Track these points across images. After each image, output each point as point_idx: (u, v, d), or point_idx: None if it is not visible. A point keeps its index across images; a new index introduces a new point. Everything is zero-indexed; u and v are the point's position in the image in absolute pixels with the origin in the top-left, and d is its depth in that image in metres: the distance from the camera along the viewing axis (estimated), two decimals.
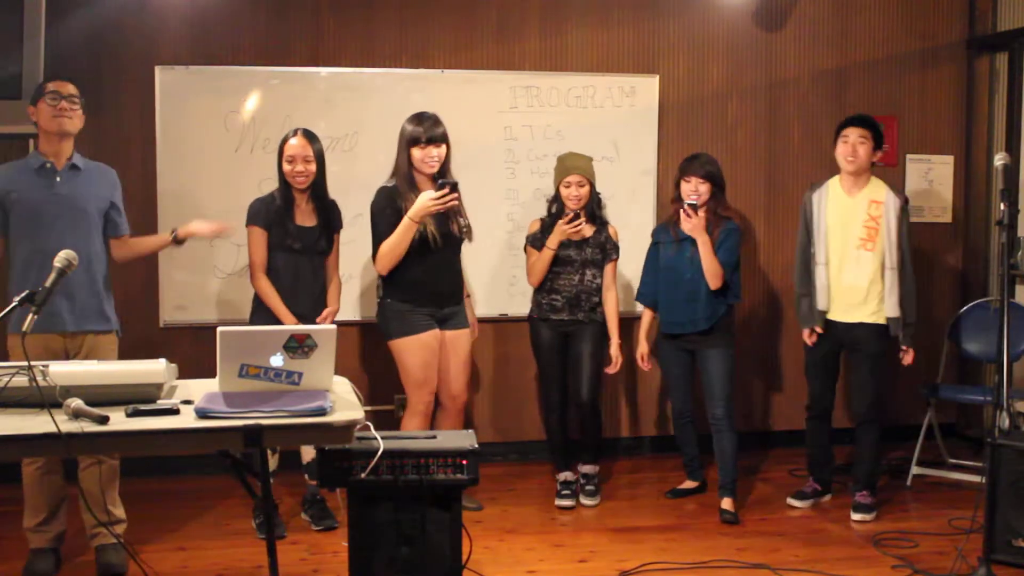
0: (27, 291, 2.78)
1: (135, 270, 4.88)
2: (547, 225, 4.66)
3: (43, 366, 2.74)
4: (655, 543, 4.19)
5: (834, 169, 4.58)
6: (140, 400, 2.75)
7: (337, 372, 2.96)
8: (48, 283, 2.80)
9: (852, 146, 4.41)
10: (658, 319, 4.75)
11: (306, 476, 4.41)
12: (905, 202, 4.46)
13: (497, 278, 5.25)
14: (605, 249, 4.68)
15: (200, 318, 4.96)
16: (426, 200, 4.13)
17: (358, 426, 2.77)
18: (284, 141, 4.23)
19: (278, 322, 4.14)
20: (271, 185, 4.34)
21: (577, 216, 4.51)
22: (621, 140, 5.32)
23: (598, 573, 3.88)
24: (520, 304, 5.09)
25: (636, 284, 5.34)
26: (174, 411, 2.70)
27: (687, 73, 5.45)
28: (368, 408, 2.95)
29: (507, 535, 4.29)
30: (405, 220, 4.18)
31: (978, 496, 3.88)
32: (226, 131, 4.95)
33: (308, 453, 4.34)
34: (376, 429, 3.04)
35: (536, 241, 4.67)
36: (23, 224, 3.69)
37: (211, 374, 2.91)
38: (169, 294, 4.96)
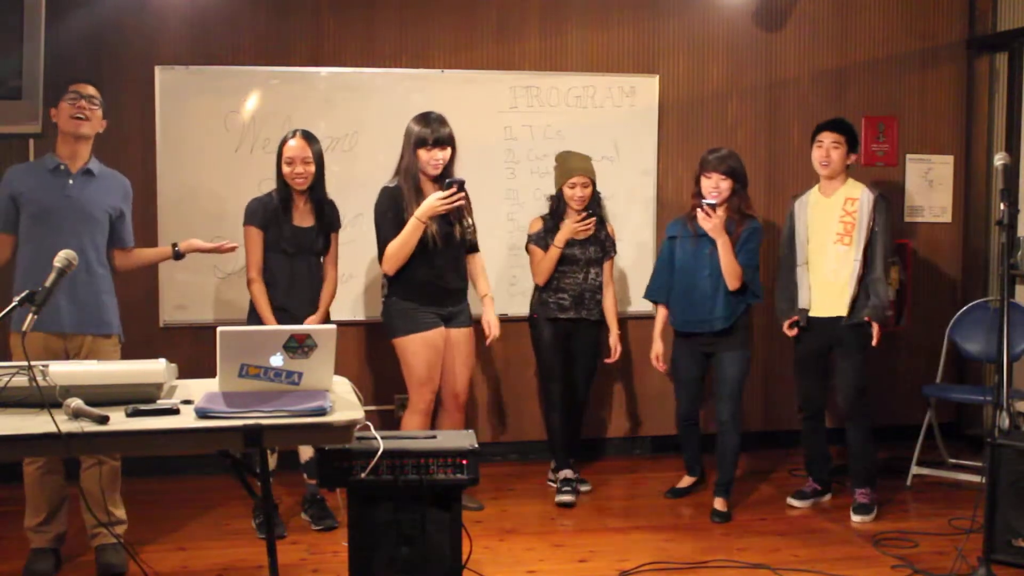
0: (27, 291, 2.78)
1: (134, 270, 4.88)
2: (550, 224, 4.67)
3: (43, 366, 2.74)
4: (655, 543, 4.19)
5: None
6: (140, 400, 2.74)
7: (337, 372, 2.96)
8: (48, 283, 2.80)
9: (826, 151, 4.47)
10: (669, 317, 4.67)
11: (305, 475, 4.41)
12: (880, 195, 4.48)
13: (497, 278, 5.24)
14: (605, 247, 4.72)
15: (200, 318, 4.96)
16: (433, 200, 4.15)
17: (358, 426, 2.76)
18: (283, 142, 4.23)
19: (284, 320, 4.15)
20: (271, 185, 4.34)
21: (591, 215, 4.57)
22: (621, 140, 5.32)
23: (598, 573, 3.88)
24: (520, 304, 5.09)
25: (636, 284, 5.36)
26: (174, 411, 2.70)
27: (687, 73, 5.45)
28: (368, 408, 2.95)
29: (507, 535, 4.29)
30: (412, 220, 4.20)
31: (978, 496, 3.88)
32: (226, 131, 4.95)
33: (306, 452, 4.34)
34: (376, 429, 3.04)
35: (540, 240, 4.68)
36: (31, 225, 3.69)
37: (211, 374, 2.91)
38: (169, 294, 4.96)
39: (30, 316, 2.73)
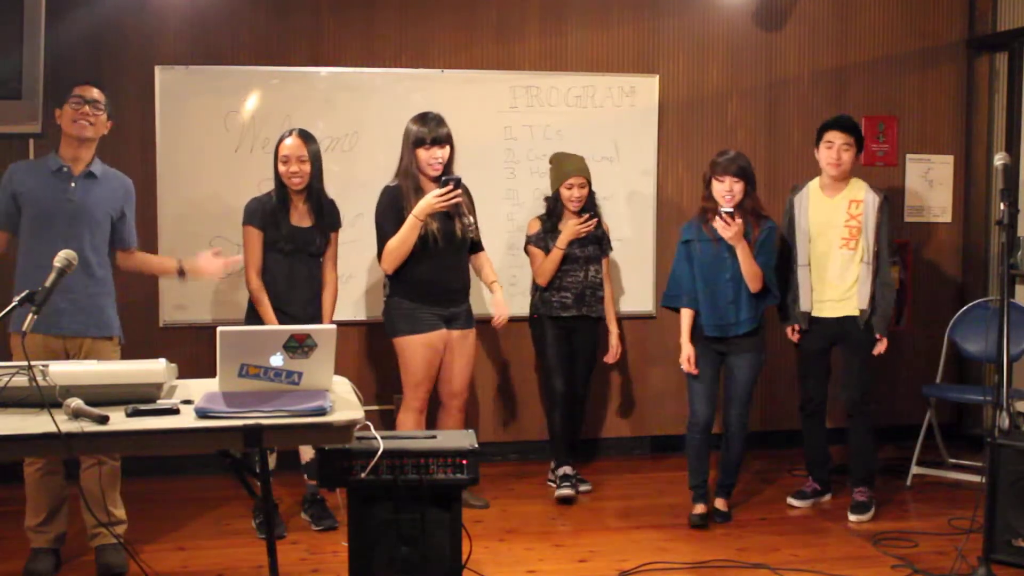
0: (27, 291, 2.78)
1: (136, 273, 4.88)
2: (548, 225, 4.69)
3: (43, 366, 2.74)
4: (655, 543, 4.19)
5: None
6: (140, 400, 2.74)
7: (337, 372, 2.96)
8: (48, 283, 2.80)
9: (837, 152, 4.42)
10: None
11: (305, 476, 4.42)
12: (885, 197, 4.47)
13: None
14: (602, 244, 4.77)
15: (200, 318, 4.96)
16: (431, 198, 4.16)
17: (358, 426, 2.76)
18: (280, 141, 4.23)
19: (281, 320, 4.15)
20: (271, 185, 4.33)
21: (593, 216, 4.60)
22: (621, 140, 5.32)
23: (598, 573, 3.88)
24: (520, 304, 5.09)
25: (636, 284, 5.36)
26: (174, 411, 2.70)
27: (687, 73, 5.45)
28: (368, 408, 2.95)
29: (507, 535, 4.29)
30: (410, 218, 4.21)
31: (978, 496, 3.88)
32: (226, 131, 4.95)
33: (307, 452, 4.34)
34: (376, 429, 3.04)
35: (539, 242, 4.69)
36: (31, 226, 3.69)
37: (211, 374, 2.91)
38: (169, 294, 4.96)
39: (30, 316, 2.73)
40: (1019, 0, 5.54)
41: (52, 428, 2.50)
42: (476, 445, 3.13)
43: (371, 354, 5.20)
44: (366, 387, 5.13)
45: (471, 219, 4.44)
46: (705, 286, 4.37)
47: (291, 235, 4.23)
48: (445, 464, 3.08)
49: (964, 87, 5.76)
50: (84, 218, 3.72)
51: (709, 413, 4.44)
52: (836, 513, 4.57)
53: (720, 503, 4.53)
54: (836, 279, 4.48)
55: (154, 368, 2.85)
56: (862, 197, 4.46)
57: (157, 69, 4.87)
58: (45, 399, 2.59)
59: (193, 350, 4.83)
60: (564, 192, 4.62)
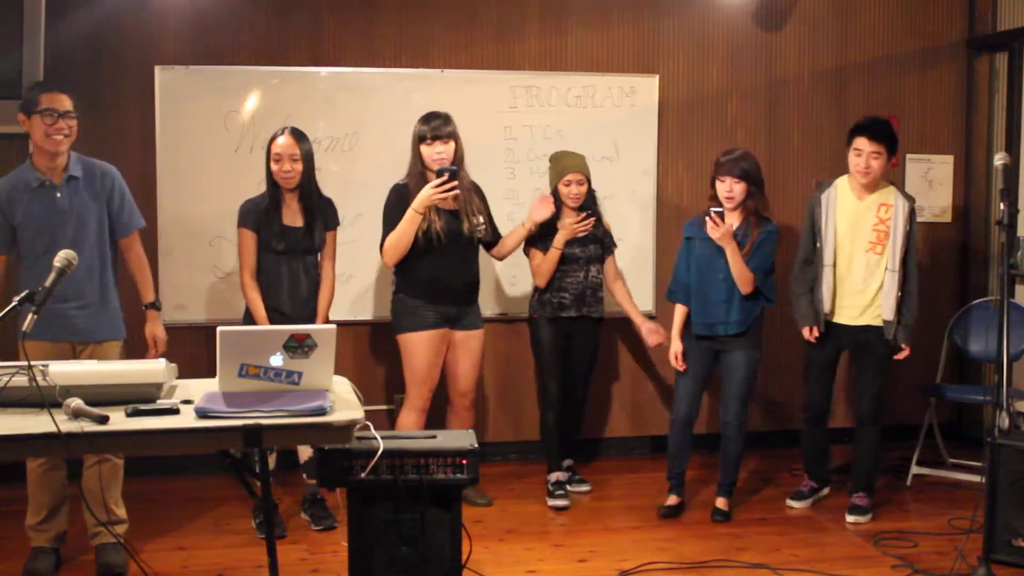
0: (27, 291, 2.78)
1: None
2: (547, 225, 4.65)
3: (43, 366, 2.73)
4: (655, 543, 4.19)
5: (834, 168, 4.58)
6: (140, 400, 2.74)
7: (337, 372, 2.96)
8: (48, 283, 2.80)
9: (866, 160, 4.32)
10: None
11: (304, 475, 4.42)
12: (914, 203, 4.44)
13: (497, 278, 5.25)
14: (604, 243, 4.72)
15: (200, 318, 4.96)
16: (428, 189, 4.18)
17: (358, 426, 2.76)
18: (272, 140, 4.23)
19: (278, 320, 4.15)
20: None
21: (591, 215, 4.56)
22: (621, 140, 5.32)
23: (598, 573, 3.88)
24: (520, 304, 5.09)
25: (636, 284, 5.35)
26: (174, 411, 2.70)
27: (687, 73, 5.45)
28: (368, 408, 2.95)
29: (507, 535, 4.29)
30: (409, 211, 4.24)
31: (978, 496, 3.89)
32: (226, 131, 4.95)
33: (305, 452, 4.34)
34: (376, 429, 3.04)
35: (537, 241, 4.68)
36: (30, 248, 3.66)
37: (211, 374, 2.90)
38: (169, 294, 4.95)
39: (30, 316, 2.72)
40: (1019, 0, 5.54)
41: (52, 428, 2.50)
42: (476, 445, 3.13)
43: (371, 354, 5.20)
44: (366, 387, 5.12)
45: (480, 219, 4.44)
46: (699, 284, 4.41)
47: (283, 234, 4.22)
48: (445, 464, 3.08)
49: (964, 87, 5.76)
50: (78, 225, 3.69)
51: (690, 410, 4.52)
52: (836, 513, 4.57)
53: (721, 502, 4.53)
54: (859, 284, 4.41)
55: (154, 368, 2.85)
56: (892, 202, 4.38)
57: (157, 69, 4.87)
58: (45, 399, 2.59)
59: (193, 350, 4.83)
60: (562, 189, 4.61)
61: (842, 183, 4.50)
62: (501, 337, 5.35)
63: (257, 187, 4.63)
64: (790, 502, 4.70)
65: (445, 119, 4.35)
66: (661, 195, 5.41)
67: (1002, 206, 3.72)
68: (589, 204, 4.65)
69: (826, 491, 4.75)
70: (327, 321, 4.30)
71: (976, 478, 4.57)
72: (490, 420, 5.39)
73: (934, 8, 5.70)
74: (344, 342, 4.74)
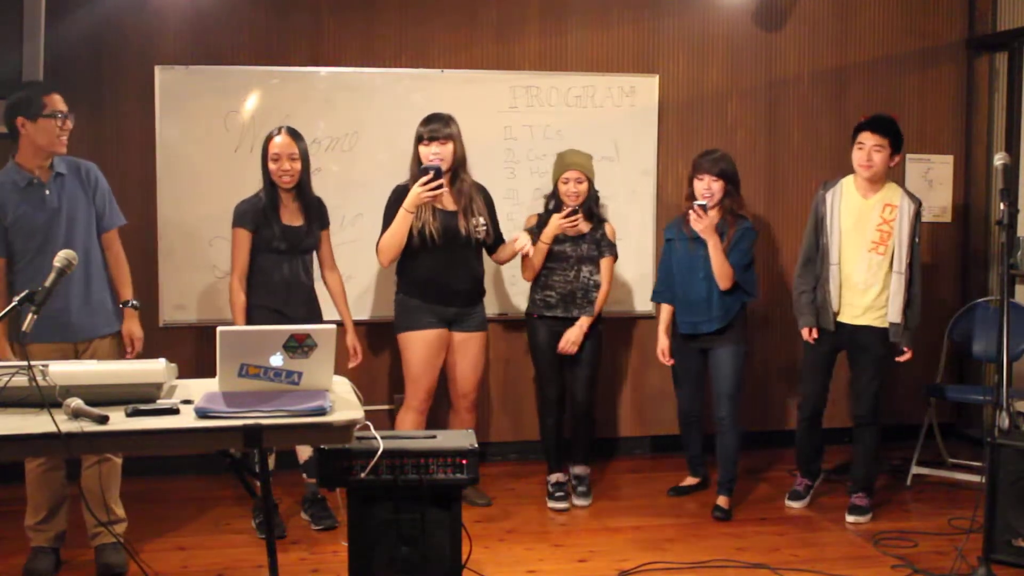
0: (27, 291, 2.78)
1: (135, 270, 4.87)
2: (543, 221, 4.64)
3: (43, 366, 2.73)
4: (655, 543, 4.19)
5: (834, 168, 4.58)
6: (140, 400, 2.74)
7: (337, 372, 2.96)
8: (48, 283, 2.80)
9: (867, 153, 4.35)
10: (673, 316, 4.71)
11: (304, 475, 4.42)
12: (919, 204, 4.43)
13: (497, 278, 5.25)
14: (601, 246, 4.65)
15: (200, 318, 4.96)
16: (416, 188, 4.18)
17: (358, 426, 2.76)
18: (268, 139, 4.23)
19: (270, 321, 4.14)
20: None
21: (575, 212, 4.48)
22: (621, 140, 5.32)
23: (598, 573, 3.88)
24: (520, 304, 5.10)
25: (636, 284, 5.36)
26: (174, 411, 2.70)
27: (687, 73, 5.45)
28: (368, 408, 2.95)
29: (507, 535, 4.29)
30: (401, 211, 4.25)
31: (978, 496, 3.89)
32: (226, 131, 4.95)
33: (304, 451, 4.34)
34: (376, 429, 3.04)
35: (532, 237, 4.67)
36: (22, 247, 3.65)
37: (211, 374, 2.91)
38: (169, 294, 4.96)
39: (30, 316, 2.72)
40: (1019, 0, 5.54)
41: (52, 428, 2.50)
42: (476, 445, 3.13)
43: (371, 354, 5.20)
44: (366, 387, 5.12)
45: (480, 220, 4.44)
46: (681, 283, 4.56)
47: (284, 234, 4.22)
48: (445, 464, 3.09)
49: (964, 87, 5.76)
50: (68, 222, 3.69)
51: (692, 404, 4.76)
52: (836, 513, 4.57)
53: (722, 500, 4.56)
54: (860, 283, 4.41)
55: (154, 368, 2.85)
56: (897, 202, 4.38)
57: (157, 69, 4.87)
58: (45, 399, 2.59)
59: (193, 350, 4.83)
60: (561, 187, 4.59)
61: (848, 182, 4.50)
62: (501, 337, 5.35)
63: (257, 187, 4.63)
64: (788, 503, 4.70)
65: (445, 121, 4.36)
66: (661, 195, 5.40)
67: (1002, 206, 3.72)
68: (590, 205, 4.62)
69: (819, 480, 4.79)
70: (321, 320, 4.33)
71: (976, 478, 4.57)
72: (490, 420, 5.39)
73: (934, 8, 5.71)
74: (344, 342, 4.74)
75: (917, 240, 4.40)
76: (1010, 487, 3.81)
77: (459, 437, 3.22)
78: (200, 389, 2.88)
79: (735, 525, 4.44)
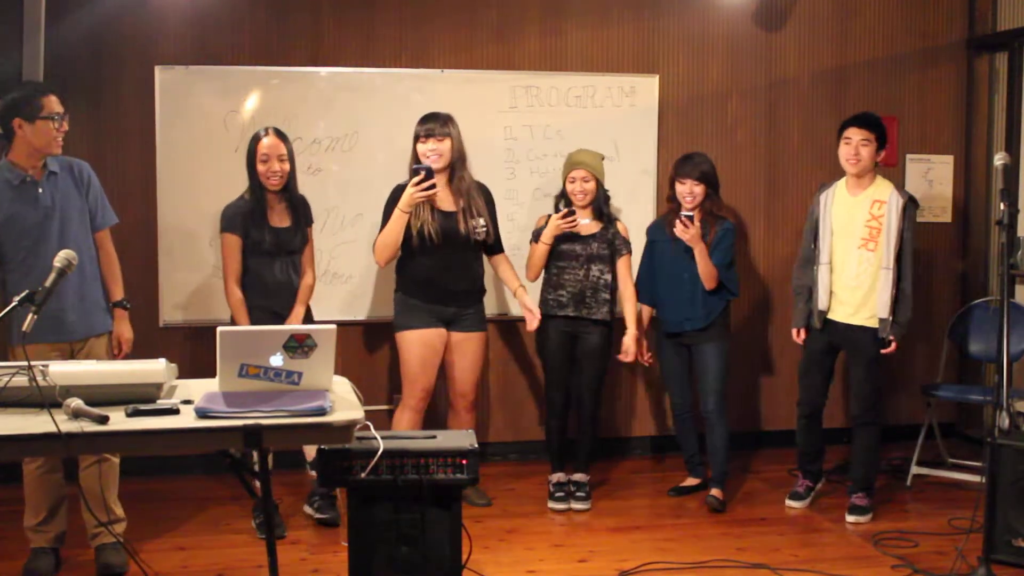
0: (27, 291, 2.78)
1: (135, 270, 4.87)
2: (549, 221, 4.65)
3: (43, 366, 2.74)
4: (655, 543, 4.19)
5: (836, 168, 4.57)
6: (140, 400, 2.74)
7: (337, 372, 2.96)
8: (48, 283, 2.80)
9: (855, 148, 4.38)
10: (656, 317, 4.80)
11: (312, 472, 4.40)
12: (909, 200, 4.43)
13: (497, 278, 5.23)
14: (614, 245, 4.63)
15: (200, 318, 4.95)
16: (409, 188, 4.19)
17: (358, 426, 2.76)
18: (256, 141, 4.22)
19: (264, 322, 4.14)
20: None
21: (572, 212, 4.47)
22: (621, 140, 5.32)
23: (598, 573, 3.88)
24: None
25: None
26: (174, 411, 2.70)
27: (687, 73, 5.45)
28: (368, 408, 2.95)
29: (507, 535, 4.29)
30: (396, 211, 4.26)
31: (978, 496, 3.89)
32: (226, 131, 4.94)
33: (311, 449, 4.33)
34: (376, 429, 3.04)
35: (537, 236, 4.68)
36: (13, 245, 3.64)
37: (211, 374, 2.91)
38: (169, 294, 4.96)
39: (30, 316, 2.72)
40: (1019, 0, 5.54)
41: (52, 428, 2.50)
42: (476, 445, 3.13)
43: (371, 354, 5.20)
44: (366, 387, 5.12)
45: (481, 220, 4.44)
46: (665, 284, 4.67)
47: (274, 236, 4.22)
48: (445, 464, 3.08)
49: (964, 87, 5.76)
50: (61, 221, 3.68)
51: (684, 401, 4.82)
52: (836, 513, 4.57)
53: (716, 492, 4.62)
54: (852, 280, 4.43)
55: (154, 368, 2.85)
56: (886, 198, 4.39)
57: (157, 69, 4.86)
58: (45, 399, 2.59)
59: (193, 350, 4.83)
60: (568, 186, 4.60)
61: (841, 183, 4.54)
62: (502, 337, 5.35)
63: None
64: (789, 503, 4.70)
65: (443, 120, 4.37)
66: (661, 195, 5.39)
67: (1002, 206, 3.72)
68: (599, 204, 4.62)
69: (821, 483, 4.78)
70: (311, 319, 4.35)
71: (976, 478, 4.58)
72: (490, 420, 5.39)
73: (934, 8, 5.70)
74: (344, 342, 4.73)
75: (907, 236, 4.39)
76: (1010, 487, 3.81)
77: (459, 437, 3.22)
78: (200, 389, 2.88)
79: (735, 525, 4.44)
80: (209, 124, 4.92)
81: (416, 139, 4.38)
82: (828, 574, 3.86)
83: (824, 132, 5.55)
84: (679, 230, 4.41)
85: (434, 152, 4.32)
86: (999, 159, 3.87)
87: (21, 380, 2.68)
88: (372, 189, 4.75)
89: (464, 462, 3.09)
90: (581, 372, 4.66)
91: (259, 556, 3.76)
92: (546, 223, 4.66)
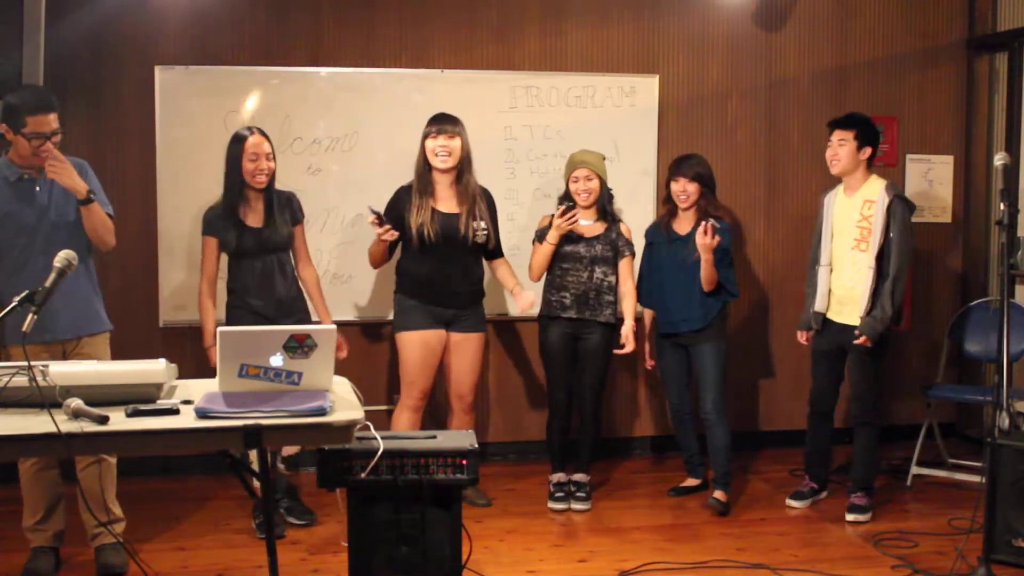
0: (27, 292, 2.77)
1: (134, 270, 4.89)
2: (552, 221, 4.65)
3: (43, 366, 2.74)
4: (655, 543, 4.19)
5: None
6: (140, 400, 2.74)
7: (337, 372, 2.96)
8: (48, 283, 2.80)
9: (834, 148, 4.46)
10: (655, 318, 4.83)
11: (281, 466, 4.41)
12: (895, 197, 4.39)
13: (496, 279, 5.24)
14: (617, 246, 4.63)
15: (200, 318, 4.94)
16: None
17: (358, 426, 2.76)
18: (242, 140, 4.18)
19: (254, 321, 4.13)
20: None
21: (571, 208, 4.46)
22: (621, 140, 5.32)
23: (598, 573, 3.88)
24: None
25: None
26: (174, 411, 2.70)
27: (687, 73, 5.45)
28: (368, 408, 2.95)
29: (507, 535, 4.29)
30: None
31: (978, 496, 3.89)
32: (226, 131, 4.90)
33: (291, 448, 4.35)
34: (376, 429, 3.04)
35: (540, 236, 4.67)
36: (7, 241, 3.63)
37: (211, 374, 2.90)
38: (169, 294, 4.96)
39: (30, 316, 2.72)
40: (1019, 0, 5.54)
41: (52, 428, 2.50)
42: (476, 445, 3.13)
43: (371, 354, 5.20)
44: (366, 387, 5.12)
45: (481, 224, 4.43)
46: (663, 284, 4.68)
47: (255, 236, 4.20)
48: (445, 464, 3.08)
49: (964, 87, 5.76)
50: (58, 219, 3.67)
51: (683, 402, 4.83)
52: (836, 513, 4.57)
53: (719, 494, 4.60)
54: (847, 281, 4.45)
55: (154, 368, 2.85)
56: (875, 197, 4.40)
57: (157, 69, 4.87)
58: (45, 399, 2.59)
59: (193, 350, 4.83)
60: (571, 186, 4.60)
61: (841, 184, 4.57)
62: (501, 337, 5.35)
63: None
64: (790, 502, 4.70)
65: (454, 120, 4.41)
66: (661, 195, 5.39)
67: (1002, 206, 3.72)
68: (603, 204, 4.62)
69: (824, 495, 4.76)
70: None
71: (976, 478, 4.58)
72: (490, 420, 5.39)
73: (934, 8, 5.70)
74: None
75: (893, 233, 4.36)
76: (1010, 487, 3.81)
77: (459, 437, 3.22)
78: (200, 389, 2.88)
79: (735, 525, 4.44)
80: (209, 124, 4.92)
81: (425, 136, 4.38)
82: (828, 574, 3.86)
83: (824, 132, 5.50)
84: (700, 236, 4.35)
85: (444, 149, 4.33)
86: (999, 159, 3.87)
87: (21, 380, 2.68)
88: (372, 189, 4.75)
89: (464, 462, 3.09)
90: (583, 372, 4.65)
91: (259, 556, 3.77)
92: (550, 223, 4.66)
